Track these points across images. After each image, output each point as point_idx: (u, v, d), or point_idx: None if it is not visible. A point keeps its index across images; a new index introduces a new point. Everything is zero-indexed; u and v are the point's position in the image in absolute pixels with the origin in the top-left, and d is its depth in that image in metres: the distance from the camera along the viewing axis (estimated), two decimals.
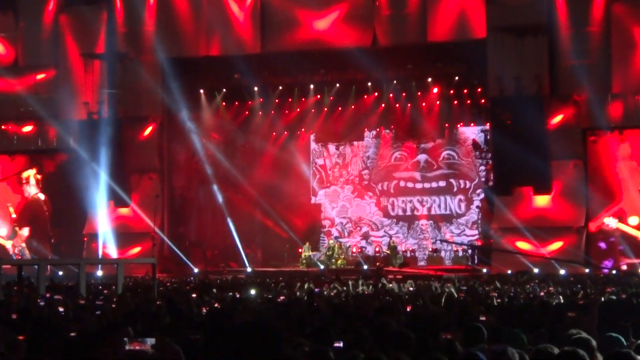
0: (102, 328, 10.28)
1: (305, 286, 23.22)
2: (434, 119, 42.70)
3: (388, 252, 41.28)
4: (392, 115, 43.40)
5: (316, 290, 21.76)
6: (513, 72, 35.84)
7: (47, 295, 19.25)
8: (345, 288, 23.49)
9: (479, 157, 42.62)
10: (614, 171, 35.82)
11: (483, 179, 42.21)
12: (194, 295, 19.62)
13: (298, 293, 21.19)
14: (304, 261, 40.83)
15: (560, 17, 36.21)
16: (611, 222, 35.39)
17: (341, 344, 8.66)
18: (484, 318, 10.99)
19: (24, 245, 41.29)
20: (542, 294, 21.08)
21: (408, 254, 41.86)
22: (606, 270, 33.77)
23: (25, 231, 41.56)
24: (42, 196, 41.69)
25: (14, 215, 41.71)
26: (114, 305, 16.04)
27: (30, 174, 41.76)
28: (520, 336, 9.10)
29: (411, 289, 23.35)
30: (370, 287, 24.40)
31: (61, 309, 14.87)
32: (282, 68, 39.05)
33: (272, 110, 43.09)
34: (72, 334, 9.82)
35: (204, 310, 14.76)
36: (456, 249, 41.27)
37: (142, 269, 33.67)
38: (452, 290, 21.00)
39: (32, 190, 41.83)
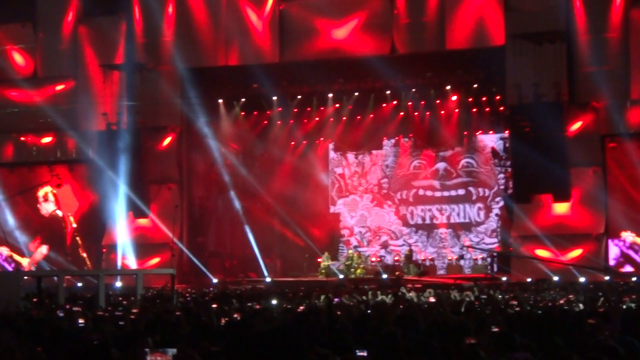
0: (122, 339, 10.27)
1: (322, 297, 23.14)
2: (452, 127, 42.57)
3: (403, 260, 41.16)
4: (411, 124, 43.28)
5: (335, 300, 21.70)
6: (531, 79, 35.63)
7: (67, 306, 19.26)
8: (364, 297, 23.41)
9: (498, 165, 42.48)
10: (634, 178, 35.59)
11: (502, 187, 42.05)
12: (214, 305, 19.57)
13: (317, 303, 21.12)
14: (323, 271, 40.71)
15: (578, 23, 36.06)
16: (628, 237, 35.24)
17: (365, 353, 8.61)
18: (497, 329, 10.86)
19: (42, 262, 41.10)
20: (562, 301, 20.97)
21: (427, 263, 41.76)
22: None
23: (43, 249, 41.44)
24: (60, 213, 41.62)
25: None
26: (133, 316, 16.02)
27: (47, 191, 41.68)
28: (555, 341, 9.03)
29: (431, 299, 23.22)
30: (390, 296, 24.31)
31: (81, 320, 14.86)
32: (300, 77, 39.05)
33: (291, 119, 43.06)
34: (95, 342, 9.82)
35: (223, 321, 14.72)
36: (475, 257, 41.12)
37: (161, 279, 33.72)
38: (472, 298, 20.93)
39: (50, 207, 41.75)
